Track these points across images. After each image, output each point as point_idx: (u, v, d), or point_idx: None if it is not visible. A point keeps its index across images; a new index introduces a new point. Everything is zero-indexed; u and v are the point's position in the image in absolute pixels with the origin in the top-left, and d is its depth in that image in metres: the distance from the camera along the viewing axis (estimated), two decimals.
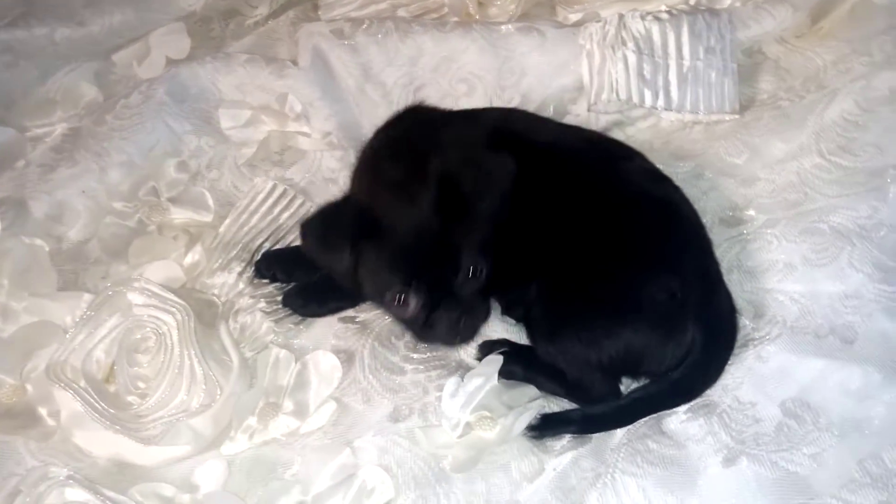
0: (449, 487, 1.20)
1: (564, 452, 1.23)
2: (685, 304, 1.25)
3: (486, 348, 1.38)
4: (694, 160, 1.54)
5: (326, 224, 1.34)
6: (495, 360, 1.32)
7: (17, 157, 1.67)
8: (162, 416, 1.32)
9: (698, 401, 1.25)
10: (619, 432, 1.25)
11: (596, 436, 1.26)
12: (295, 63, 1.77)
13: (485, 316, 1.35)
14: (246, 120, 1.71)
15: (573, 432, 1.26)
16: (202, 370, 1.34)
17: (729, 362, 1.27)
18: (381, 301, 1.35)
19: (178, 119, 1.68)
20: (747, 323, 1.32)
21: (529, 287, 1.33)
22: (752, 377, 1.25)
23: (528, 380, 1.33)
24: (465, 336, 1.34)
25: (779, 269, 1.36)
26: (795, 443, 1.14)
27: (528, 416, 1.26)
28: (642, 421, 1.25)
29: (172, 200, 1.65)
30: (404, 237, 1.27)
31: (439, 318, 1.30)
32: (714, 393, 1.25)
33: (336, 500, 1.22)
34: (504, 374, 1.32)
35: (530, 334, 1.36)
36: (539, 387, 1.32)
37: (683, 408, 1.25)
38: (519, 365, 1.34)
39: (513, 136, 1.40)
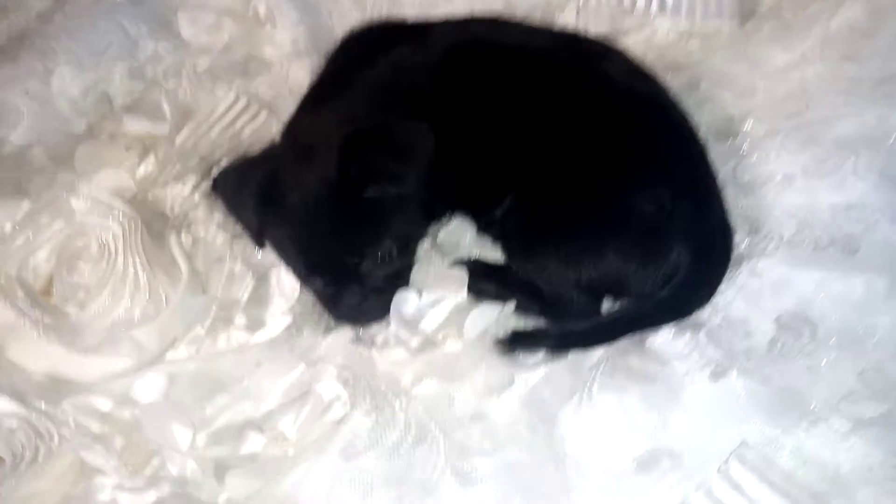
0: (407, 400, 1.10)
1: (537, 367, 1.13)
2: (675, 217, 1.13)
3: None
4: (689, 71, 1.42)
5: (238, 183, 1.22)
6: (459, 277, 1.21)
7: None
8: (102, 325, 1.21)
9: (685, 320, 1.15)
10: (598, 351, 1.14)
11: (572, 354, 1.15)
12: None
13: (398, 291, 1.20)
14: (208, 25, 1.58)
15: (547, 348, 1.15)
16: (146, 278, 1.23)
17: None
18: (288, 266, 1.24)
19: (134, 21, 1.55)
20: (742, 239, 1.22)
21: (505, 201, 1.23)
22: (745, 293, 1.15)
23: (500, 298, 1.22)
24: (370, 317, 1.21)
25: (777, 181, 1.25)
26: (791, 356, 1.05)
27: (497, 313, 1.15)
28: (623, 339, 1.15)
29: (126, 109, 1.52)
30: (305, 213, 1.14)
31: (342, 301, 1.19)
32: (702, 312, 1.15)
33: (289, 419, 1.12)
34: (474, 291, 1.21)
35: (505, 249, 1.25)
36: (514, 306, 1.21)
37: (670, 326, 1.15)
38: (491, 282, 1.23)
39: (476, 44, 1.27)
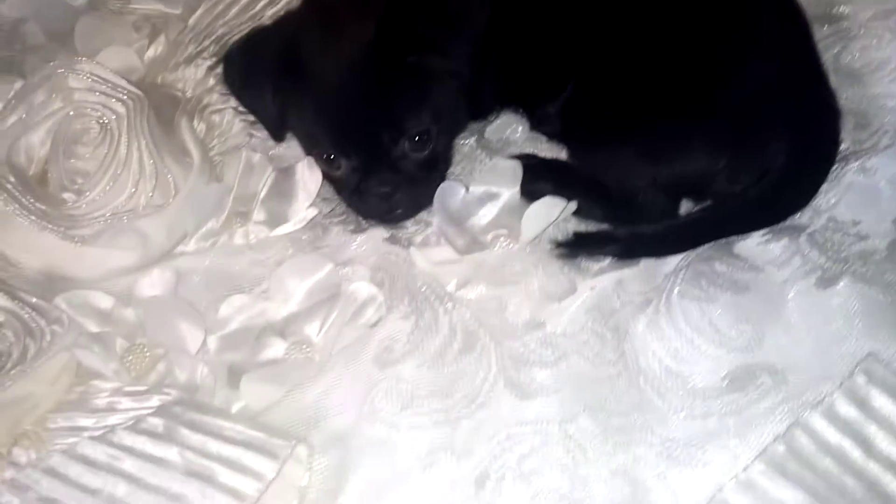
0: (452, 304, 0.94)
1: (603, 273, 0.96)
2: (779, 99, 0.95)
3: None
4: None
5: (251, 57, 1.06)
6: (513, 168, 1.03)
7: None
8: (102, 214, 1.06)
9: (779, 224, 0.97)
10: (675, 258, 0.97)
11: (645, 260, 0.98)
12: None
13: (435, 186, 1.05)
14: None
15: (615, 254, 0.98)
16: (153, 164, 1.08)
17: None
18: (310, 154, 1.07)
19: None
20: (846, 137, 1.03)
21: (563, 94, 1.05)
22: (855, 193, 0.97)
23: (560, 198, 1.04)
24: (400, 215, 1.06)
25: (891, 67, 1.07)
26: None
27: (557, 209, 0.98)
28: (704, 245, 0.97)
29: None
30: (332, 85, 0.99)
31: (368, 190, 1.02)
32: (801, 215, 0.97)
33: (315, 323, 0.96)
34: (528, 192, 1.03)
35: (568, 143, 1.07)
36: (576, 209, 1.04)
37: (760, 230, 0.97)
38: (549, 180, 1.05)
39: None
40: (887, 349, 0.81)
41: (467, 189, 1.04)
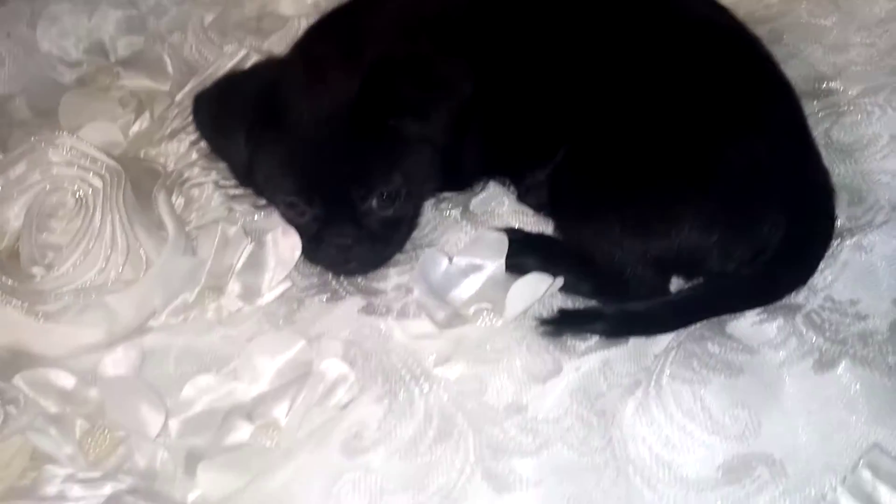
0: (429, 385, 0.88)
1: (590, 353, 0.91)
2: (771, 176, 0.93)
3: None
4: (769, 24, 1.22)
5: (224, 99, 1.05)
6: (499, 241, 1.00)
7: None
8: (71, 289, 1.02)
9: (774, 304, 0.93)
10: (666, 337, 0.92)
11: (634, 339, 0.93)
12: None
13: (394, 249, 1.04)
14: None
15: (602, 333, 0.93)
16: (126, 238, 1.05)
17: None
18: (274, 201, 1.06)
19: None
20: (840, 213, 1.00)
21: (552, 161, 1.03)
22: (851, 272, 0.93)
23: (545, 272, 0.99)
24: (354, 268, 1.03)
25: (882, 143, 1.05)
26: None
27: (543, 286, 0.94)
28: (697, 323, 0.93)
29: (124, 63, 1.36)
30: (307, 135, 0.97)
31: (327, 239, 1.00)
32: (796, 295, 0.93)
33: (283, 405, 0.91)
34: (513, 266, 1.00)
35: (555, 215, 1.04)
36: (563, 284, 0.99)
37: (754, 310, 0.93)
38: (533, 255, 1.02)
39: None
40: (893, 439, 0.75)
41: (451, 260, 1.00)
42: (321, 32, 1.13)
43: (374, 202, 0.99)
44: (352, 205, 0.99)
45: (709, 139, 0.94)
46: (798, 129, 0.99)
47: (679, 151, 0.94)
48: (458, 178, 1.11)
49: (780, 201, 0.93)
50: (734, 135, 0.93)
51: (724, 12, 1.06)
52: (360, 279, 1.04)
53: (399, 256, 1.07)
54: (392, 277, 1.04)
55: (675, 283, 1.00)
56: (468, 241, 1.03)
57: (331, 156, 0.97)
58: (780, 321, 0.89)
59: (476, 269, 1.00)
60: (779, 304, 0.93)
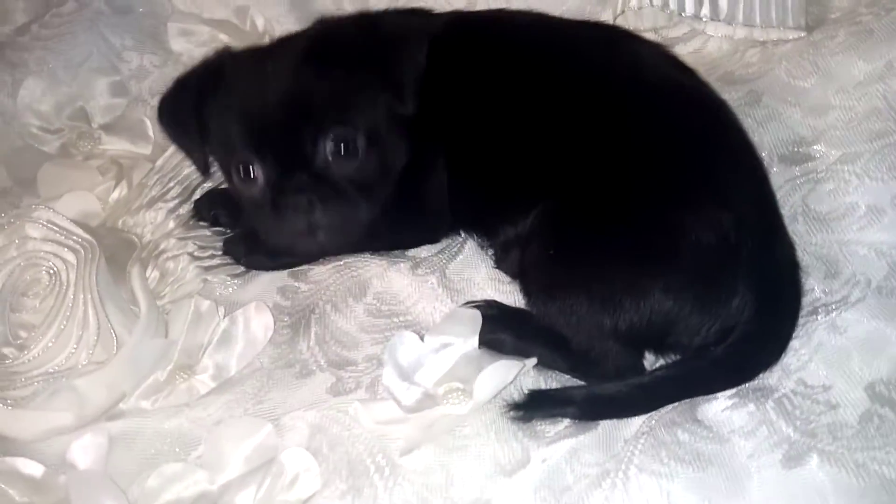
0: (394, 479, 0.87)
1: (559, 440, 0.90)
2: (738, 251, 0.91)
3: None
4: (747, 85, 1.20)
5: (176, 93, 1.07)
6: (472, 317, 0.99)
7: None
8: (40, 373, 1.02)
9: (747, 384, 0.91)
10: (637, 419, 0.91)
11: (605, 422, 0.92)
12: None
13: (363, 212, 1.00)
14: (201, 38, 1.43)
15: (572, 417, 0.92)
16: (97, 319, 1.05)
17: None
18: (229, 177, 1.04)
19: (118, 32, 1.41)
20: (815, 286, 0.99)
21: (526, 222, 1.01)
22: (824, 353, 0.91)
23: (519, 351, 1.00)
24: (325, 240, 1.01)
25: (860, 214, 1.02)
26: (891, 438, 0.79)
27: (512, 372, 0.93)
28: (669, 405, 0.91)
29: (105, 128, 1.37)
30: (254, 88, 0.98)
31: (284, 200, 0.97)
32: (770, 375, 0.92)
33: (248, 493, 0.90)
34: (487, 343, 0.99)
35: (524, 287, 1.03)
36: (539, 360, 0.99)
37: (727, 392, 0.91)
38: (508, 331, 1.01)
39: (478, 24, 1.10)
40: None
41: (422, 339, 0.99)
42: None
43: (330, 151, 0.97)
44: (306, 155, 0.96)
45: (675, 211, 0.92)
46: (764, 200, 0.98)
47: (644, 223, 0.93)
48: (423, 218, 1.10)
49: (748, 275, 0.92)
50: (700, 207, 0.92)
51: (691, 74, 1.05)
52: (332, 348, 1.03)
53: (373, 322, 1.06)
54: (365, 346, 1.04)
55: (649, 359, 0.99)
56: (441, 318, 1.02)
57: (279, 105, 0.96)
58: (751, 407, 0.87)
59: (448, 346, 0.99)
60: (752, 384, 0.91)
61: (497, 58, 1.03)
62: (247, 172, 0.99)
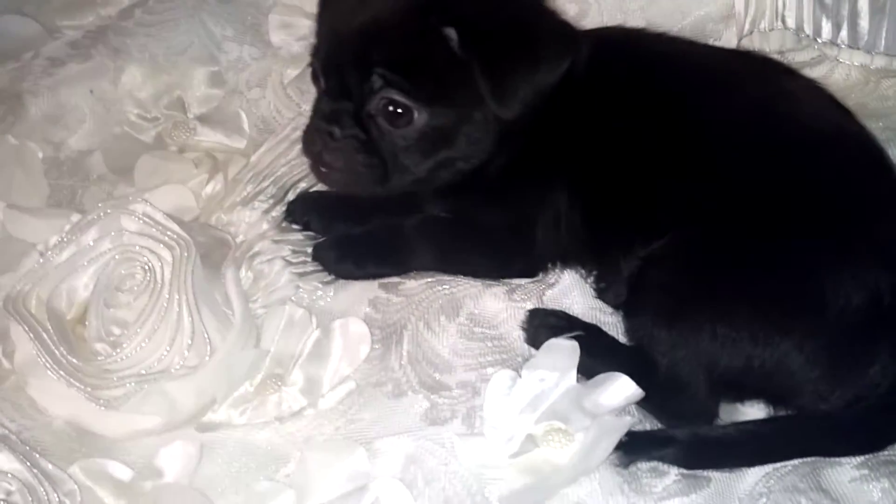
0: None
1: (668, 498, 0.84)
2: (889, 316, 0.84)
3: (536, 320, 1.00)
4: (883, 120, 1.12)
5: None
6: (570, 349, 0.93)
7: (28, 49, 1.39)
8: (133, 374, 1.01)
9: (877, 456, 0.84)
10: (753, 476, 0.85)
11: (717, 480, 0.86)
12: None
13: (372, 179, 0.98)
14: (301, 32, 1.39)
15: (673, 461, 0.87)
16: (192, 322, 1.03)
17: None
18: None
19: (220, 21, 1.38)
20: None
21: (647, 247, 0.95)
22: None
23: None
24: (326, 175, 1.00)
25: None
26: None
27: (619, 431, 0.87)
28: (789, 465, 0.85)
29: (201, 119, 1.35)
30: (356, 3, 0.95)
31: (314, 115, 0.98)
32: None
33: None
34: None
35: (635, 307, 0.96)
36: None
37: (853, 460, 0.84)
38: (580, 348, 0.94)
39: (627, 38, 1.05)
40: None
41: (520, 375, 0.95)
42: None
43: (380, 105, 0.93)
44: (357, 93, 0.93)
45: (829, 263, 0.85)
46: None
47: (794, 269, 0.86)
48: (528, 251, 1.05)
49: (894, 343, 0.84)
50: (859, 263, 0.85)
51: (851, 117, 0.97)
52: (424, 369, 1.00)
53: (466, 345, 1.02)
54: (458, 371, 1.00)
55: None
56: (538, 352, 0.97)
57: (358, 32, 0.93)
58: (885, 483, 0.80)
59: (546, 381, 0.94)
60: (884, 457, 0.84)
61: (648, 86, 0.96)
62: (315, 76, 0.99)
